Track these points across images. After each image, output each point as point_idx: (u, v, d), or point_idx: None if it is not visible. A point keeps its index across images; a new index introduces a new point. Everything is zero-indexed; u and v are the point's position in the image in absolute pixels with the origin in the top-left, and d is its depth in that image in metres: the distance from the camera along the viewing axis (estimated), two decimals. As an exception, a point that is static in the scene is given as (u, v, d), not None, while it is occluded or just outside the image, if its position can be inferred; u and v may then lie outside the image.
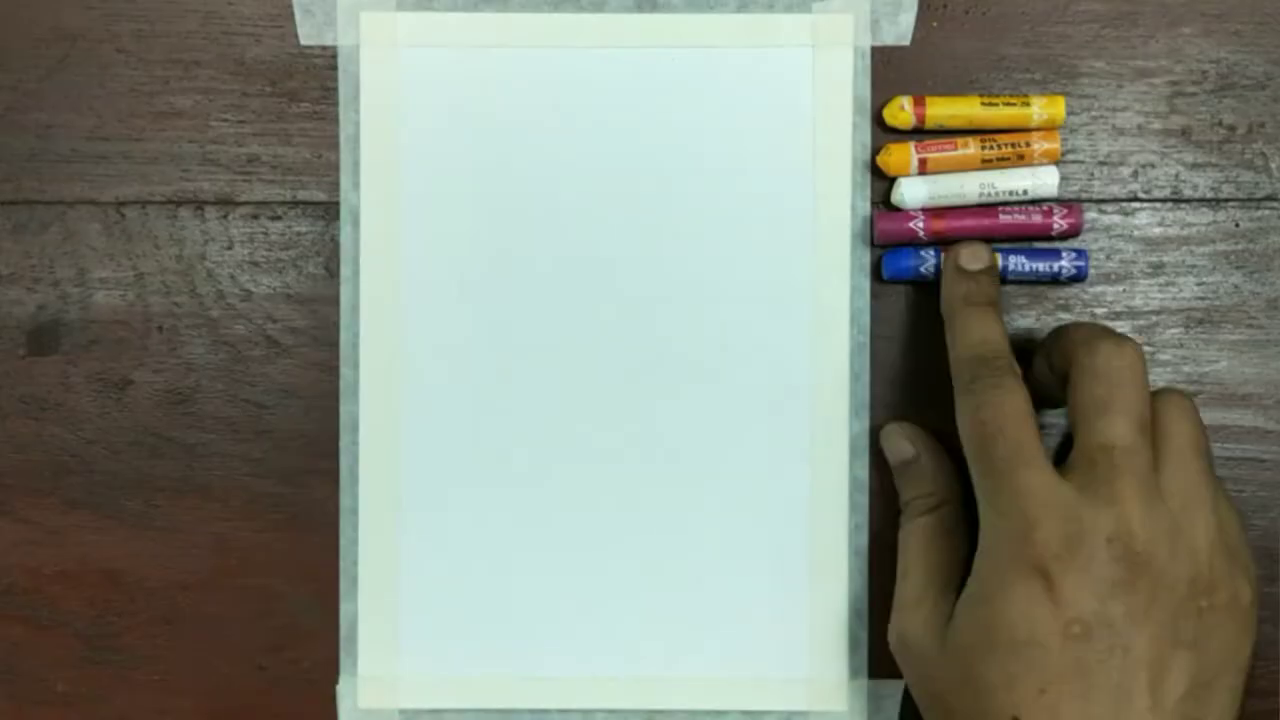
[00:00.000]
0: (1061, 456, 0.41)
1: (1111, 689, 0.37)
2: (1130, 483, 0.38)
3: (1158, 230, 0.46)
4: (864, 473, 0.45)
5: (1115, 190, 0.46)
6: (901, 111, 0.45)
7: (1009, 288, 0.45)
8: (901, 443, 0.44)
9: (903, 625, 0.42)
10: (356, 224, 0.45)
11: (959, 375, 0.41)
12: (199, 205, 0.46)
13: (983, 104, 0.45)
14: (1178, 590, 0.38)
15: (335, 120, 0.45)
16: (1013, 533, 0.38)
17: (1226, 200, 0.45)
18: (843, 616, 0.45)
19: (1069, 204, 0.45)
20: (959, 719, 0.39)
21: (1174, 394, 0.40)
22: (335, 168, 0.45)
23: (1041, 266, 0.44)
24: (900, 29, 0.45)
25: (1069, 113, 0.45)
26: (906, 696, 0.45)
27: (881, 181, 0.45)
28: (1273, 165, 0.45)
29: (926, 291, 0.45)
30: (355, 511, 0.45)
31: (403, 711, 0.46)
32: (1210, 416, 0.45)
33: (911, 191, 0.44)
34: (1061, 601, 0.37)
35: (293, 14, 0.45)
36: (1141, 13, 0.45)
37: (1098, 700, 0.37)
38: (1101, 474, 0.38)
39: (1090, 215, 0.45)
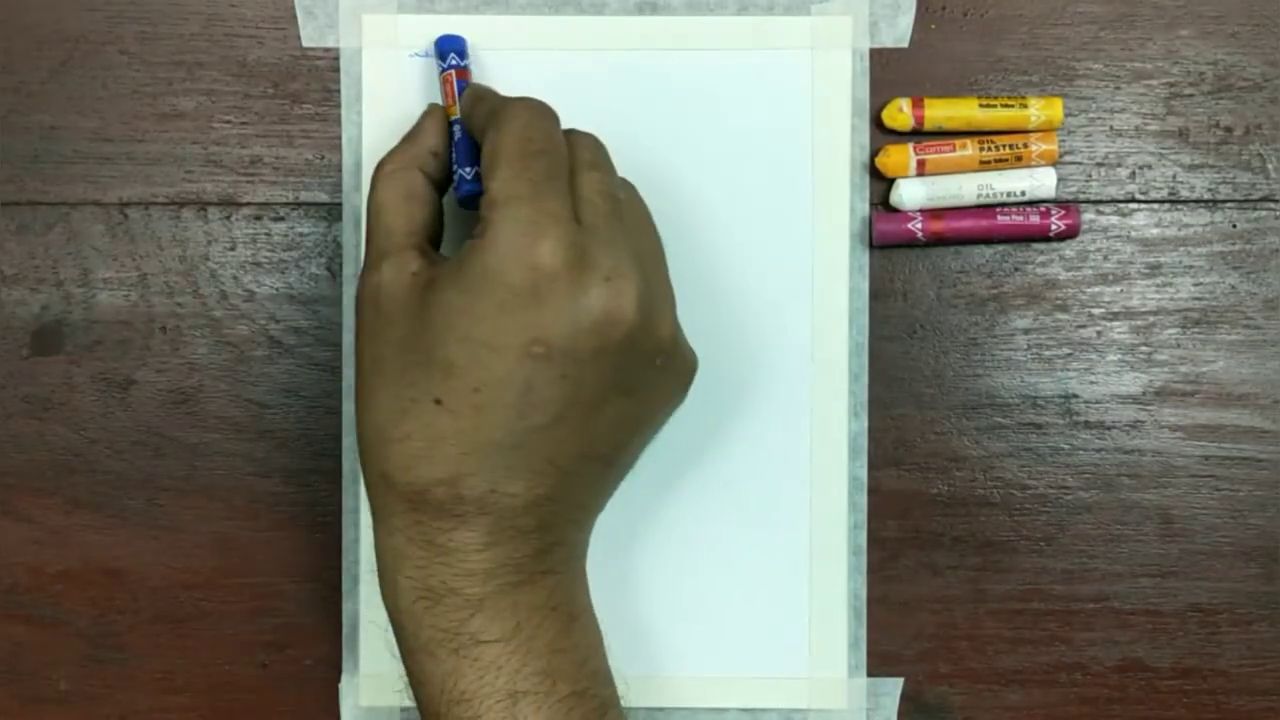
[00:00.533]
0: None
1: (545, 413, 0.37)
2: (625, 237, 0.38)
3: (1155, 231, 0.46)
4: (864, 473, 0.45)
5: (1113, 191, 0.46)
6: (900, 113, 0.45)
7: (1004, 279, 0.46)
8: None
9: (381, 275, 0.39)
10: (358, 225, 0.45)
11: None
12: (202, 206, 0.46)
13: (981, 106, 0.45)
14: (645, 343, 0.38)
15: (337, 122, 0.46)
16: (517, 238, 0.36)
17: (1224, 201, 0.46)
18: (842, 615, 0.45)
19: (1067, 205, 0.45)
20: (390, 380, 0.38)
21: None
22: (337, 169, 0.46)
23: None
24: (899, 31, 0.45)
25: (1067, 114, 0.45)
26: (906, 695, 0.46)
27: (880, 183, 0.45)
28: (1269, 166, 0.46)
29: (926, 292, 0.46)
30: (357, 511, 0.45)
31: (404, 709, 0.46)
32: (1207, 416, 0.46)
33: (910, 193, 0.45)
34: (536, 320, 0.36)
35: (295, 16, 0.45)
36: (1139, 15, 0.46)
37: (525, 416, 0.37)
38: (606, 224, 0.38)
39: (1088, 216, 0.46)
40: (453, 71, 0.43)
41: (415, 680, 0.39)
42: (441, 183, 0.42)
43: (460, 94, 0.43)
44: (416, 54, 0.45)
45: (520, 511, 0.38)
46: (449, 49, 0.44)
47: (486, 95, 0.42)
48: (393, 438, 0.38)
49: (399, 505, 0.38)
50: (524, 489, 0.38)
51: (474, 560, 0.38)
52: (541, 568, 0.39)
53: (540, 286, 0.36)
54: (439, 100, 0.44)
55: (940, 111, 0.45)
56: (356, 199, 0.45)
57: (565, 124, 0.39)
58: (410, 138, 0.42)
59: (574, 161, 0.39)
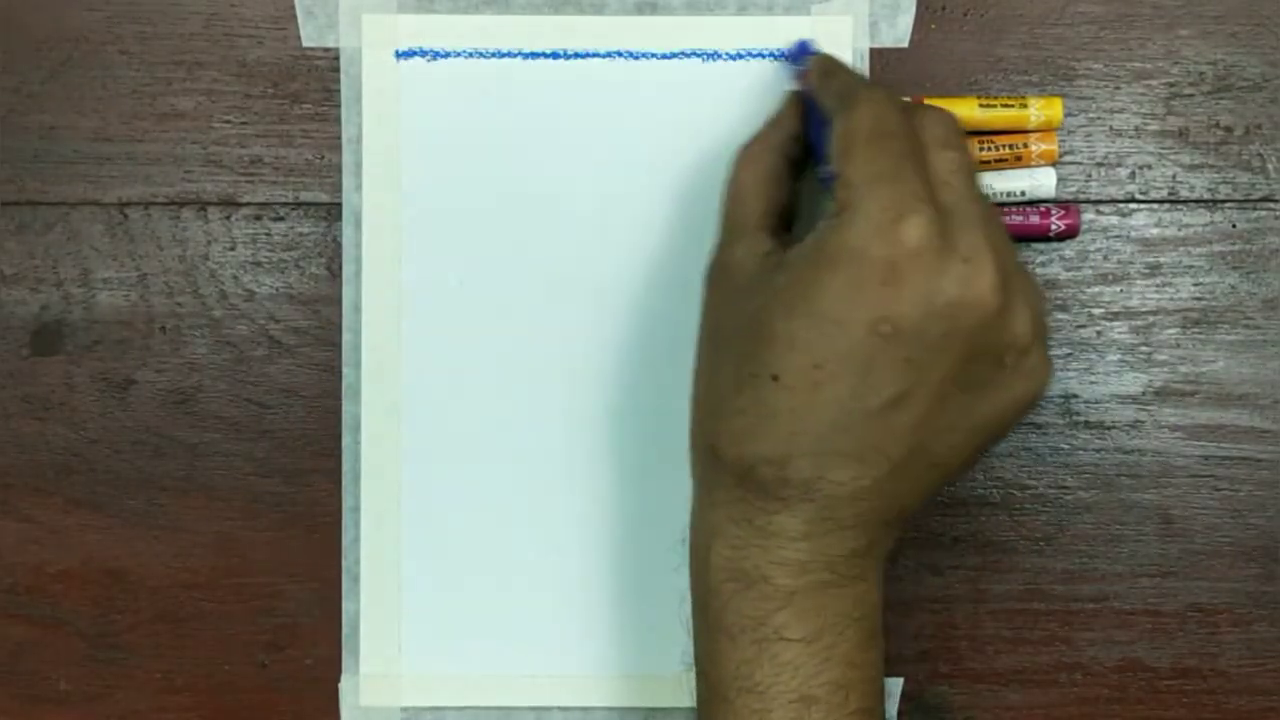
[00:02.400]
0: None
1: (882, 396, 0.36)
2: (990, 223, 0.37)
3: (1155, 231, 0.46)
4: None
5: (1113, 191, 0.46)
6: (900, 113, 0.45)
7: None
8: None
9: (734, 253, 0.39)
10: (358, 225, 0.45)
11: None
12: (202, 206, 0.46)
13: (980, 106, 0.45)
14: (1000, 335, 0.37)
15: (337, 121, 0.46)
16: (881, 215, 0.36)
17: (1223, 201, 0.46)
18: (842, 615, 0.45)
19: (1066, 205, 0.45)
20: (730, 354, 0.38)
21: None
22: (337, 169, 0.46)
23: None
24: (898, 31, 0.45)
25: (1066, 114, 0.45)
26: (906, 695, 0.46)
27: (880, 182, 0.45)
28: (1269, 166, 0.46)
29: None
30: (357, 510, 0.45)
31: (404, 709, 0.46)
32: (1207, 416, 0.46)
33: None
34: (888, 297, 0.35)
35: (295, 16, 0.45)
36: (1139, 15, 0.46)
37: (861, 398, 0.36)
38: (965, 205, 0.37)
39: (1088, 216, 0.46)
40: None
41: (707, 657, 0.39)
42: (798, 166, 0.42)
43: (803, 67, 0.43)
44: (402, 52, 0.45)
45: (843, 502, 0.37)
46: (803, 52, 0.44)
47: (835, 71, 0.41)
48: (726, 411, 0.37)
49: (725, 479, 0.38)
50: (850, 477, 0.37)
51: (791, 549, 0.37)
52: (853, 572, 0.38)
53: (900, 264, 0.35)
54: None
55: (940, 111, 0.45)
56: (356, 199, 0.45)
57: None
58: (773, 122, 0.42)
59: (927, 141, 0.38)
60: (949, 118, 0.39)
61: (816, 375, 0.36)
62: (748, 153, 0.41)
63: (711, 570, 0.38)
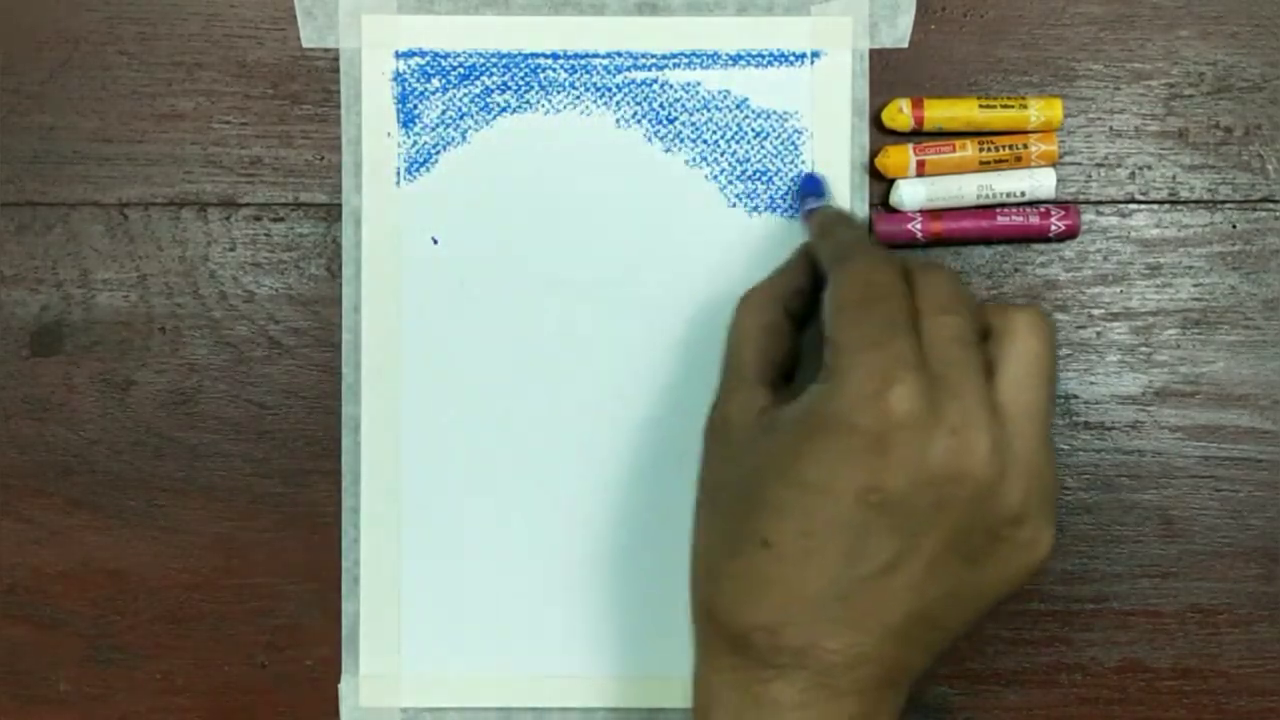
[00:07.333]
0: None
1: (874, 564, 0.36)
2: (980, 392, 0.36)
3: (1155, 232, 0.46)
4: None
5: (1112, 192, 0.46)
6: (900, 114, 0.45)
7: (1003, 280, 0.46)
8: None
9: (730, 408, 0.39)
10: (358, 225, 0.45)
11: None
12: (202, 207, 0.46)
13: (980, 106, 0.45)
14: (992, 507, 0.36)
15: (337, 122, 0.46)
16: (867, 383, 0.35)
17: (1223, 202, 0.46)
18: (842, 616, 0.45)
19: (1067, 205, 0.45)
20: (724, 515, 0.38)
21: (1027, 310, 0.38)
22: (337, 169, 0.46)
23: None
24: (898, 32, 0.45)
25: (1066, 115, 0.45)
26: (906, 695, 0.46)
27: (880, 183, 0.45)
28: (1269, 167, 0.46)
29: (925, 292, 0.46)
30: (357, 511, 0.45)
31: (404, 710, 0.46)
32: (1207, 417, 0.46)
33: (910, 193, 0.45)
34: (875, 467, 0.35)
35: (294, 17, 0.45)
36: (1138, 15, 0.46)
37: (853, 566, 0.36)
38: (956, 373, 0.36)
39: (1087, 217, 0.46)
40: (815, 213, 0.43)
41: None
42: (802, 319, 0.41)
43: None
44: (401, 53, 0.45)
45: (839, 670, 0.36)
46: (808, 192, 0.44)
47: (834, 228, 0.41)
48: (720, 575, 0.37)
49: (721, 645, 0.37)
50: (845, 644, 0.36)
51: (789, 718, 0.36)
52: None
53: (886, 434, 0.35)
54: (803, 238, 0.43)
55: (940, 112, 0.45)
56: (356, 199, 0.45)
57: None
58: (780, 271, 0.42)
59: (923, 304, 0.37)
60: (950, 279, 0.38)
61: (807, 543, 0.36)
62: (751, 301, 0.41)
63: None
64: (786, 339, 0.41)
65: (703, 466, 0.40)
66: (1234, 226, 0.46)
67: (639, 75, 0.45)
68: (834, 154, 0.45)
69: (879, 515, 0.35)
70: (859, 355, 0.36)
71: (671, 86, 0.45)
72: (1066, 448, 0.46)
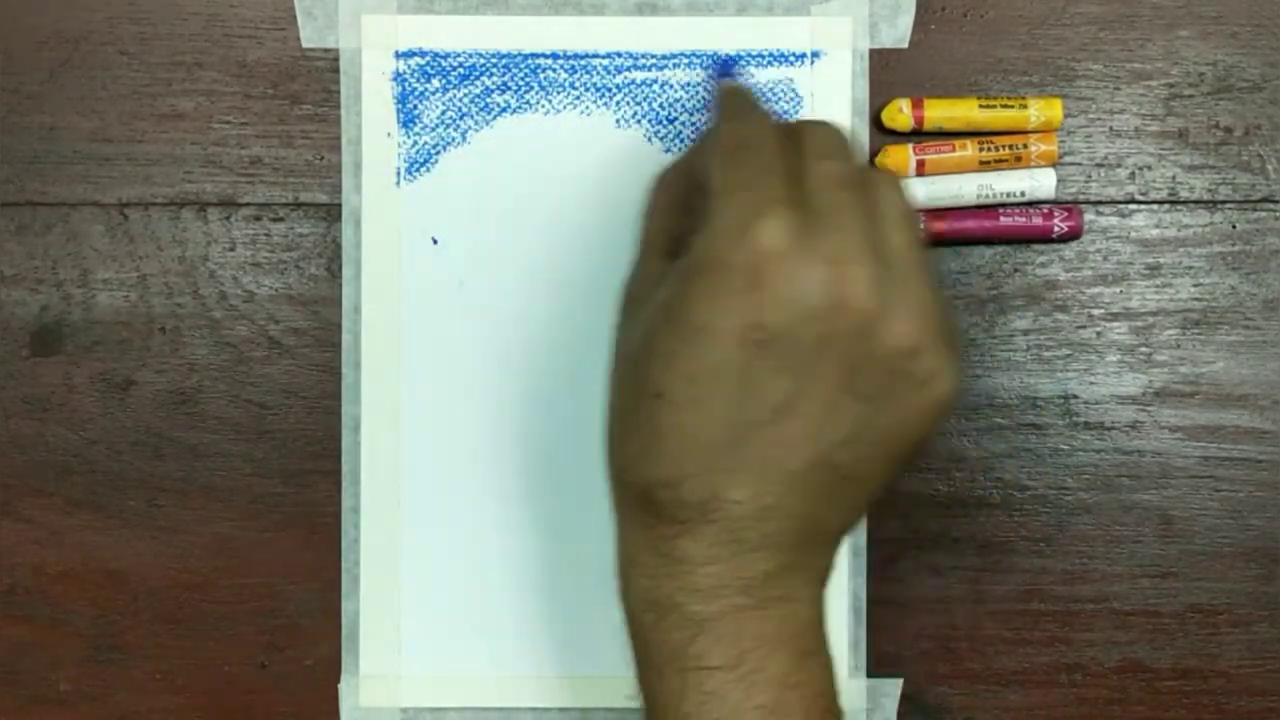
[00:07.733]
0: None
1: (766, 406, 0.35)
2: (860, 228, 0.35)
3: (1155, 232, 0.46)
4: (863, 473, 0.45)
5: (1112, 192, 0.46)
6: (900, 114, 0.45)
7: (1003, 280, 0.46)
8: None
9: (630, 275, 0.39)
10: (358, 225, 0.45)
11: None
12: (201, 207, 0.46)
13: (980, 106, 0.45)
14: (881, 341, 0.35)
15: (337, 122, 0.46)
16: (736, 220, 0.35)
17: (1223, 202, 0.46)
18: (842, 616, 0.45)
19: (1069, 206, 0.45)
20: (625, 376, 0.37)
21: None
22: (337, 169, 0.46)
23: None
24: (898, 32, 0.45)
25: (1066, 115, 0.45)
26: (906, 695, 0.46)
27: (880, 183, 0.45)
28: (1269, 167, 0.46)
29: (925, 292, 0.46)
30: (357, 511, 0.45)
31: (404, 710, 0.46)
32: (1207, 417, 0.46)
33: (909, 193, 0.45)
34: (754, 303, 0.34)
35: (294, 17, 0.45)
36: (1138, 16, 0.46)
37: (745, 410, 0.35)
38: (835, 211, 0.35)
39: (1087, 217, 0.46)
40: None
41: (642, 689, 0.38)
42: None
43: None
44: (401, 53, 0.45)
45: (746, 523, 0.35)
46: (722, 74, 0.45)
47: (732, 97, 0.40)
48: (623, 432, 0.37)
49: (631, 506, 0.37)
50: (748, 496, 0.35)
51: (699, 575, 0.36)
52: (773, 594, 0.36)
53: (760, 268, 0.34)
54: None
55: (940, 112, 0.45)
56: (356, 199, 0.45)
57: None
58: (692, 149, 0.41)
59: (805, 152, 0.36)
60: (834, 133, 0.37)
61: (695, 389, 0.35)
62: (661, 178, 0.40)
63: (631, 600, 0.37)
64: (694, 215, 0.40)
65: (614, 340, 0.39)
66: (1234, 227, 0.46)
67: (639, 75, 0.45)
68: (834, 154, 0.45)
69: (765, 355, 0.34)
70: (729, 196, 0.35)
71: (671, 86, 0.45)
72: (1066, 448, 0.46)
